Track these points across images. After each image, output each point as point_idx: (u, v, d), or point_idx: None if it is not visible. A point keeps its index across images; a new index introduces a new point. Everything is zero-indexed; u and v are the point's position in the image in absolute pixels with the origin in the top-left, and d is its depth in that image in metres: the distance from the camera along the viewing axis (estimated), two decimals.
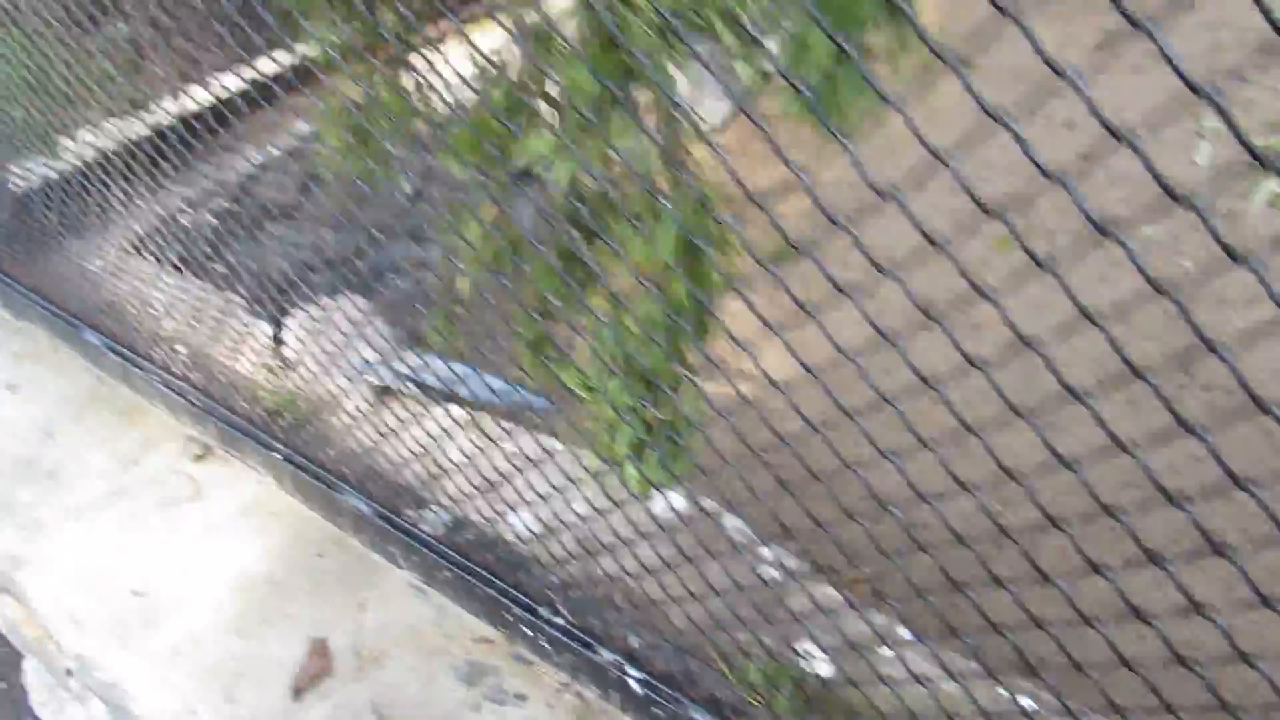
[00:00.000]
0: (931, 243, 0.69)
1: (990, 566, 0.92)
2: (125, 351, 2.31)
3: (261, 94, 3.01)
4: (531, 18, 1.04)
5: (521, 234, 1.23)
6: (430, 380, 2.07)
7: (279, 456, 2.03)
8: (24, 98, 2.33)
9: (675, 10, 0.74)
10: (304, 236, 3.52)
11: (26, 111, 2.39)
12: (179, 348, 2.18)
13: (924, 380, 0.83)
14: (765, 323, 0.88)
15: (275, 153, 3.38)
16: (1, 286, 2.61)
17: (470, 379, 1.62)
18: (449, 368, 1.60)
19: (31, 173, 2.66)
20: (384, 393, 2.18)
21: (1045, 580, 0.89)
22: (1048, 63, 0.59)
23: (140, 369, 2.27)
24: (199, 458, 2.23)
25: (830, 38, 0.65)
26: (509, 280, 1.33)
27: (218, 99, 2.57)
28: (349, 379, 2.09)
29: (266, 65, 3.00)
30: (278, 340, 2.31)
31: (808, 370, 0.88)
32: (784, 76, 0.69)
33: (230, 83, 3.11)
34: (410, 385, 2.12)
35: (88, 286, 2.51)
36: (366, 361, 2.15)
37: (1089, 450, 0.76)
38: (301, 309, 2.56)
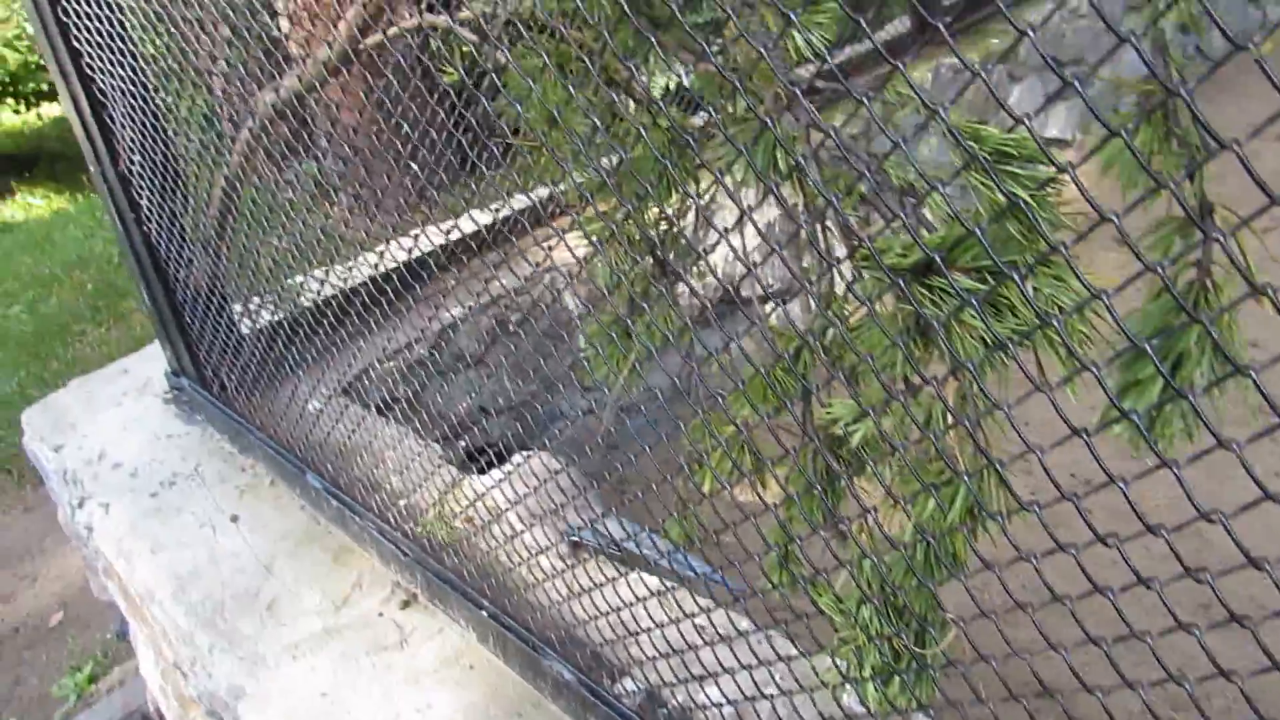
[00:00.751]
0: (1255, 565, 0.76)
1: None
2: (344, 497, 2.49)
3: (463, 250, 3.26)
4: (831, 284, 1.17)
5: (783, 454, 1.34)
6: (631, 548, 2.18)
7: (485, 614, 2.15)
8: (258, 244, 2.59)
9: (1011, 335, 0.84)
10: (491, 384, 3.74)
11: (260, 258, 2.65)
12: (400, 501, 2.35)
13: (1179, 622, 0.89)
14: (1053, 594, 0.96)
15: (470, 305, 3.63)
16: (233, 423, 2.86)
17: (673, 555, 1.72)
18: (653, 542, 1.70)
19: (259, 316, 2.93)
20: (579, 547, 2.30)
21: None
22: (1246, 277, 0.67)
23: (357, 515, 2.45)
24: (405, 604, 2.38)
25: (1168, 381, 0.75)
26: (758, 488, 1.43)
27: (424, 253, 2.80)
28: (554, 539, 2.21)
29: (468, 225, 3.25)
30: (479, 498, 2.46)
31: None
32: (1115, 405, 0.78)
33: (436, 239, 3.39)
34: (612, 548, 2.23)
35: (308, 429, 2.73)
36: (571, 526, 2.28)
37: None
38: (503, 462, 2.72)
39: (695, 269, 1.41)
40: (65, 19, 2.38)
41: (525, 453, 2.64)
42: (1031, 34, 0.66)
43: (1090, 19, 5.06)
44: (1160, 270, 0.71)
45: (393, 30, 1.43)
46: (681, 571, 1.70)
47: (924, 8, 4.28)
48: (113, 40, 2.29)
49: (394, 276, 2.25)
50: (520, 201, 3.49)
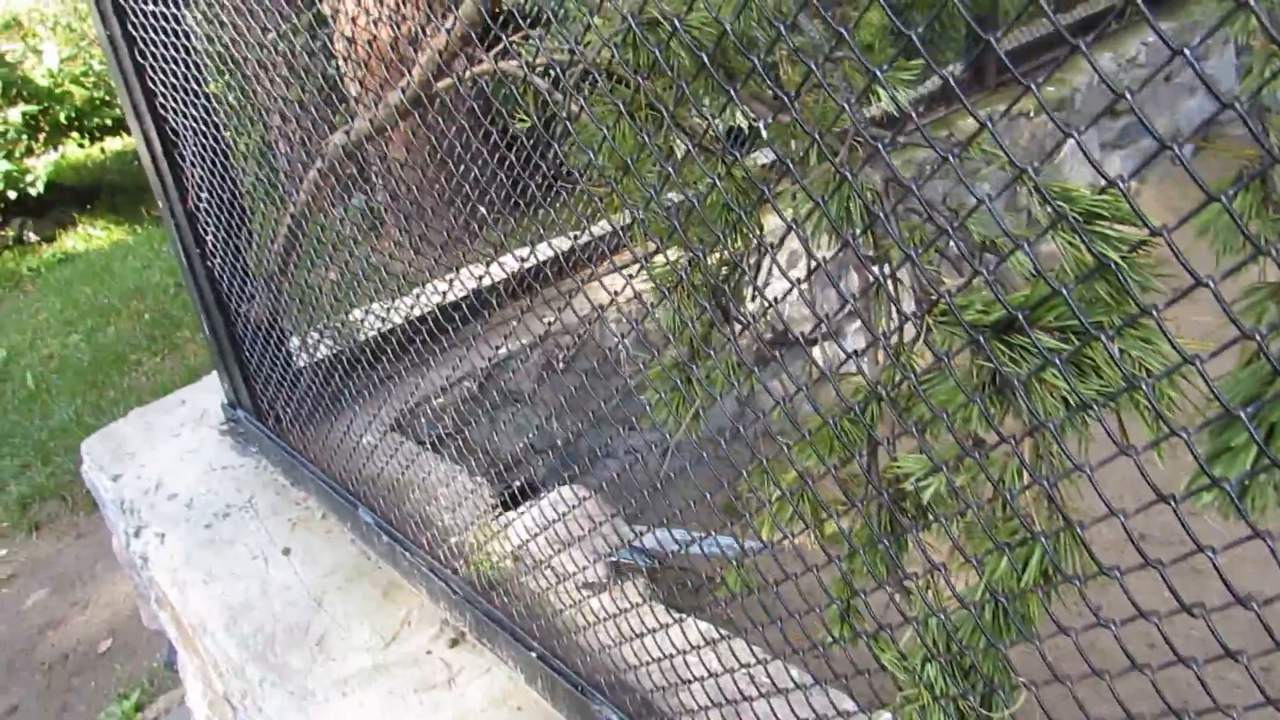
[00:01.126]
0: None
1: None
2: (395, 533, 2.50)
3: (523, 288, 3.27)
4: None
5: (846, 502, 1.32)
6: (672, 548, 2.19)
7: (533, 655, 2.14)
8: (321, 280, 2.63)
9: (1096, 396, 0.83)
10: (536, 420, 3.75)
11: (321, 293, 2.68)
12: (451, 539, 2.36)
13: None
14: (1134, 663, 0.93)
15: (521, 343, 3.65)
16: (286, 456, 2.89)
17: (705, 542, 1.73)
18: (694, 538, 1.70)
19: (317, 350, 2.96)
20: (619, 571, 2.30)
21: None
22: None
23: (408, 552, 2.45)
24: (454, 643, 2.37)
25: (1263, 450, 0.73)
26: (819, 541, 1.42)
27: (480, 289, 2.82)
28: (606, 581, 2.20)
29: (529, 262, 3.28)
30: (532, 538, 2.46)
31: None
32: (1206, 473, 0.77)
33: (491, 275, 3.41)
34: (650, 559, 2.23)
35: (361, 463, 2.76)
36: (611, 547, 2.27)
37: None
38: (542, 497, 2.72)
39: (764, 316, 1.40)
40: (141, 60, 2.45)
41: (582, 494, 2.64)
42: (1130, 96, 0.66)
43: (1148, 69, 5.03)
44: (1258, 337, 0.70)
45: (467, 73, 1.46)
46: (710, 552, 1.72)
47: (978, 59, 4.28)
48: (186, 82, 2.35)
49: (454, 314, 2.27)
50: (581, 241, 3.52)
